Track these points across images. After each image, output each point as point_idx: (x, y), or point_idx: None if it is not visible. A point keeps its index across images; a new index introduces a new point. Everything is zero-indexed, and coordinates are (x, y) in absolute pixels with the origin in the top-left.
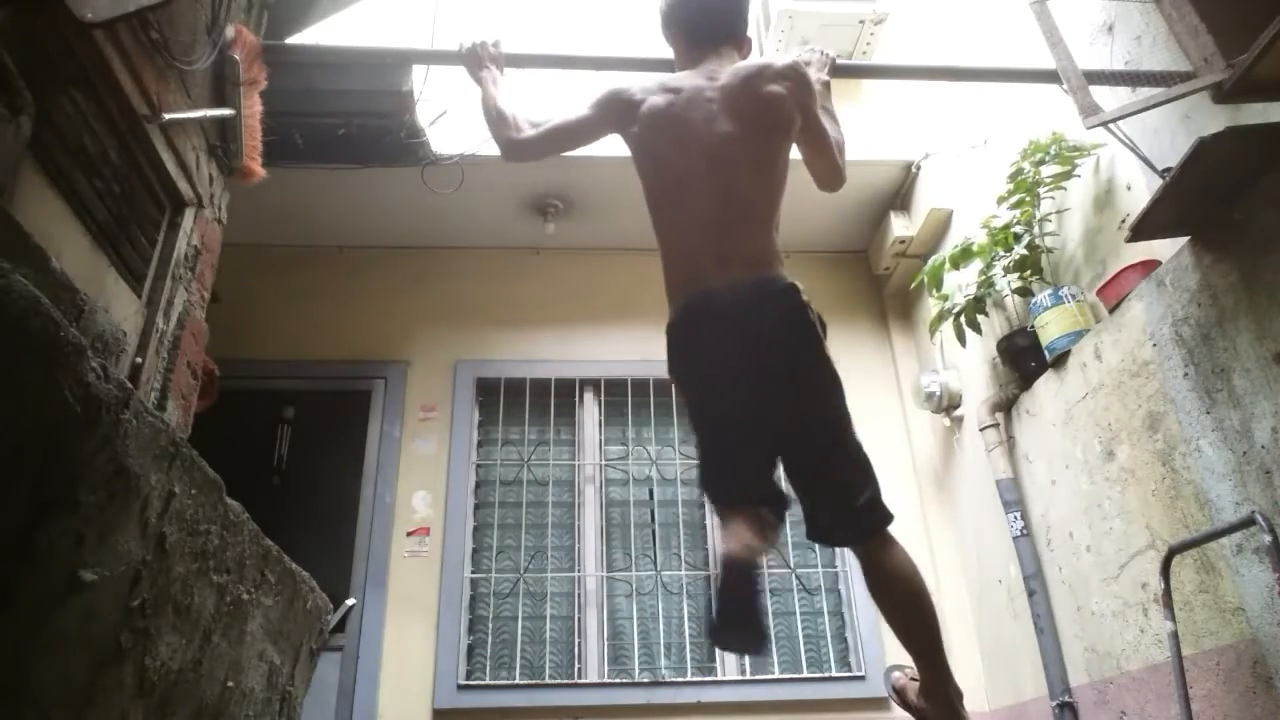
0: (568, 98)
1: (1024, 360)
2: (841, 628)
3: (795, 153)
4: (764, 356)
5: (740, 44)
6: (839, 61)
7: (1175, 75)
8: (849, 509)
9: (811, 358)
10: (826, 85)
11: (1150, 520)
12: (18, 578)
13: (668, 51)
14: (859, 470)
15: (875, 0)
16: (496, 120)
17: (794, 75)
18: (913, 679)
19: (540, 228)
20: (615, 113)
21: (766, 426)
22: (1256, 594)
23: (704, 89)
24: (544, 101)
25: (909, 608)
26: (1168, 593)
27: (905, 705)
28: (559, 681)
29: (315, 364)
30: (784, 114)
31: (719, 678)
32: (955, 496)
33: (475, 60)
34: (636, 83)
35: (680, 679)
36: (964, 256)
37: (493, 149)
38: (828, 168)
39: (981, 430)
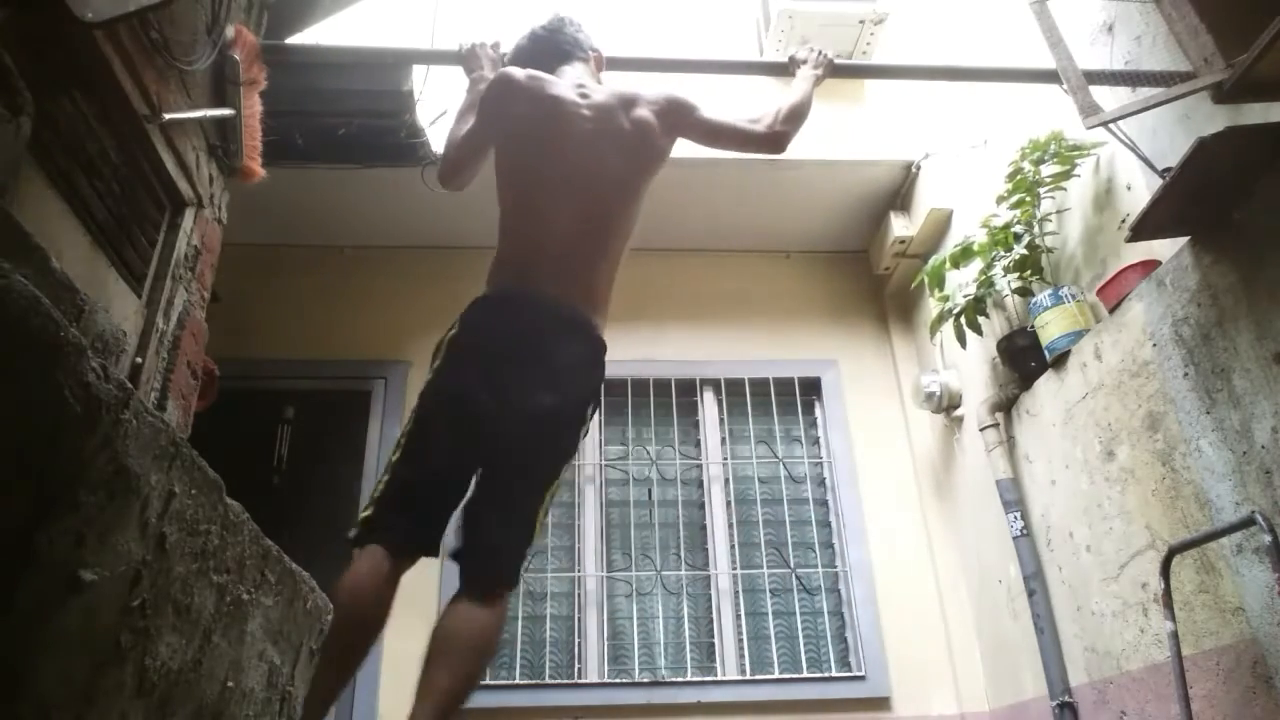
0: None
1: (1024, 360)
2: (841, 628)
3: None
4: (550, 386)
5: (588, 60)
6: (839, 61)
7: (1175, 75)
8: (506, 551)
9: (581, 416)
10: (817, 80)
11: (1150, 520)
12: (18, 578)
13: (666, 51)
14: (531, 527)
15: (875, 0)
16: (447, 146)
17: (663, 100)
18: None
19: None
20: (490, 118)
21: (502, 448)
22: (1256, 594)
23: (578, 104)
24: None
25: (467, 660)
26: (1168, 593)
27: None
28: (559, 681)
29: (315, 364)
30: (654, 148)
31: (719, 678)
32: (955, 496)
33: (474, 61)
34: (507, 82)
35: (680, 679)
36: (964, 256)
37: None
38: (744, 139)
39: (981, 430)
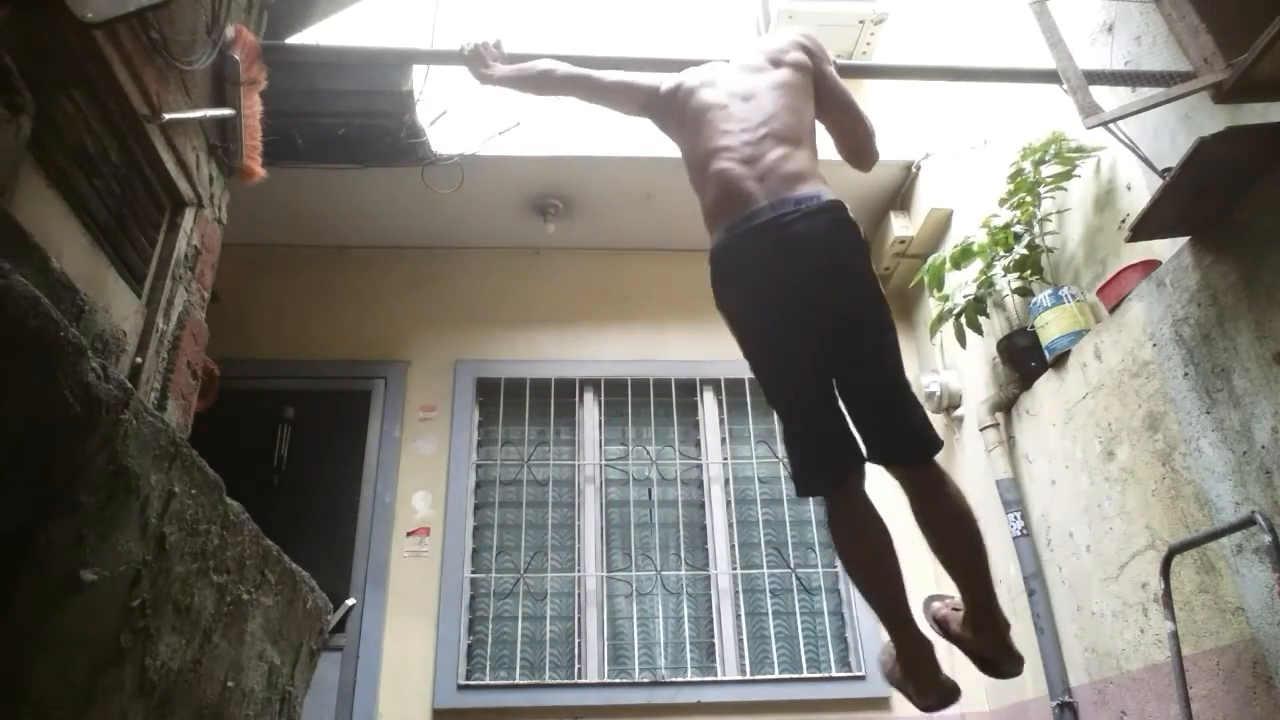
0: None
1: (1024, 360)
2: (841, 628)
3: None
4: (822, 278)
5: None
6: (839, 61)
7: (1175, 75)
8: (915, 424)
9: (868, 274)
10: None
11: (1150, 520)
12: (18, 578)
13: (665, 51)
14: (908, 388)
15: (875, 0)
16: (522, 67)
17: (798, 35)
18: (954, 609)
19: (540, 228)
20: (662, 84)
21: (832, 355)
22: (1256, 594)
23: (731, 64)
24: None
25: (965, 527)
26: (1168, 593)
27: (948, 636)
28: (559, 681)
29: (315, 364)
30: (795, 54)
31: (719, 678)
32: None
33: (478, 61)
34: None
35: (680, 679)
36: (964, 256)
37: (493, 149)
38: (858, 131)
39: (981, 430)
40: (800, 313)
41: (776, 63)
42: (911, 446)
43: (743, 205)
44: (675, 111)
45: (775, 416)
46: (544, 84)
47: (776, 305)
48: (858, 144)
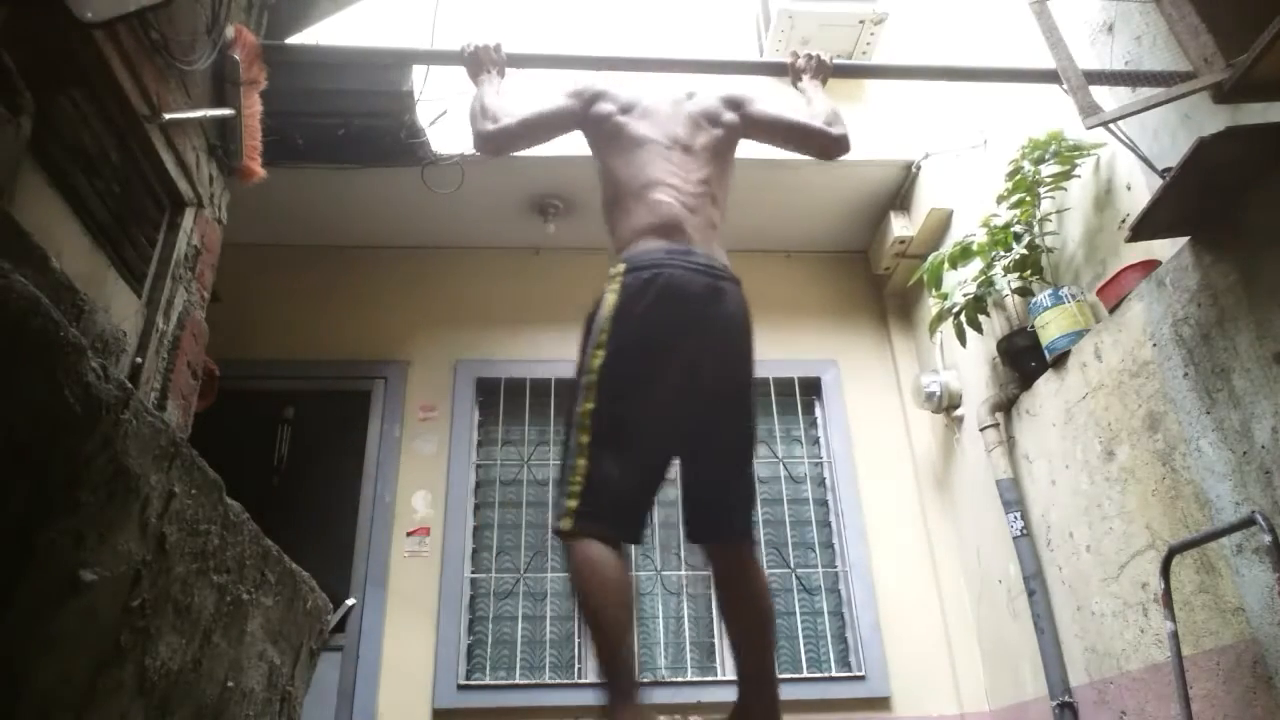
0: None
1: (1024, 360)
2: (841, 628)
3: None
4: (729, 347)
5: None
6: (838, 61)
7: (1175, 75)
8: (748, 508)
9: (753, 357)
10: (820, 85)
11: (1150, 520)
12: (18, 578)
13: (666, 51)
14: (754, 476)
15: (875, 0)
16: (478, 114)
17: (722, 91)
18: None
19: (540, 228)
20: (591, 99)
21: (697, 430)
22: (1256, 594)
23: (669, 96)
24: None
25: (766, 618)
26: (1168, 593)
27: None
28: (559, 681)
29: (315, 364)
30: (728, 114)
31: (719, 678)
32: (955, 496)
33: (476, 63)
34: (606, 82)
35: (680, 679)
36: (963, 255)
37: None
38: (808, 135)
39: (981, 430)
40: (692, 377)
41: (714, 123)
42: (737, 529)
43: (680, 239)
44: (606, 132)
45: (579, 447)
46: (512, 142)
47: (681, 356)
48: (816, 145)
